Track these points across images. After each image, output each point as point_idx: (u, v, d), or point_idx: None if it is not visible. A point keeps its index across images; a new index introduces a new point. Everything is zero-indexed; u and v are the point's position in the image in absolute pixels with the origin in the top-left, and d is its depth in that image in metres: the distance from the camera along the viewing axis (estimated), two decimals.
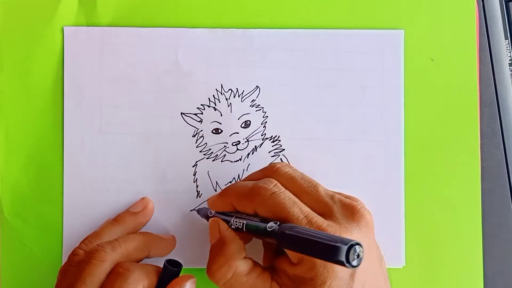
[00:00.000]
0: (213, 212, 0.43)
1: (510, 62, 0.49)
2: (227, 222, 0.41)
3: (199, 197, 0.46)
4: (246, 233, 0.39)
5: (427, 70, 0.48)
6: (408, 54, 0.47)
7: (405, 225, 0.47)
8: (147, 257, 0.43)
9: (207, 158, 0.47)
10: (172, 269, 0.40)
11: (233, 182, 0.47)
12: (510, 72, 0.49)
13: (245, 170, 0.47)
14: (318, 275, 0.36)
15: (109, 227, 0.44)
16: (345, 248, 0.31)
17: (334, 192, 0.40)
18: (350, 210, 0.38)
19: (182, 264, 0.41)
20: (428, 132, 0.47)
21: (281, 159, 0.47)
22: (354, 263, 0.31)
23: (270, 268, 0.40)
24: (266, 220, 0.38)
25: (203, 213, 0.45)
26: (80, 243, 0.42)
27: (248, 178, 0.43)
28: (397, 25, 0.48)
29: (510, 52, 0.49)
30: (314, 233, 0.34)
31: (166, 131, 0.46)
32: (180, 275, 0.41)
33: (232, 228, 0.40)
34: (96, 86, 0.47)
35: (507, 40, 0.49)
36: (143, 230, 0.46)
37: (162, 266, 0.41)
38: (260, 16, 0.47)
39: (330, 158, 0.47)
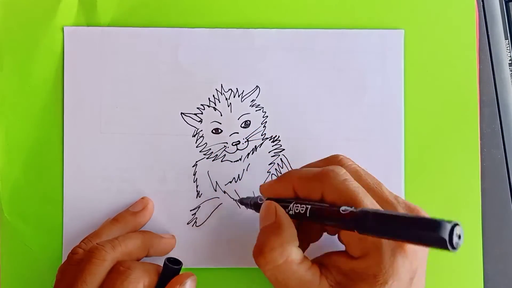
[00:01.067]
0: (263, 199, 0.41)
1: (510, 62, 0.48)
2: (285, 207, 0.38)
3: (199, 197, 0.46)
4: (307, 220, 0.37)
5: (427, 70, 0.47)
6: (408, 54, 0.47)
7: None
8: (146, 256, 0.43)
9: (207, 158, 0.47)
10: (172, 267, 0.40)
11: (233, 182, 0.47)
12: (510, 72, 0.48)
13: (245, 170, 0.47)
14: (382, 273, 0.34)
15: (109, 227, 0.44)
16: (448, 226, 0.29)
17: (399, 196, 0.38)
18: (415, 213, 0.37)
19: (182, 263, 0.41)
20: (428, 132, 0.47)
21: (281, 159, 0.47)
22: (457, 243, 0.29)
23: (318, 263, 0.38)
24: (335, 206, 0.35)
25: (250, 202, 0.43)
26: (80, 242, 0.42)
27: (307, 166, 0.41)
28: (397, 25, 0.48)
29: (510, 52, 0.49)
30: (403, 215, 0.32)
31: (166, 131, 0.46)
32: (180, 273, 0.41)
33: (290, 215, 0.38)
34: (96, 86, 0.46)
35: (507, 40, 0.48)
36: (143, 229, 0.46)
37: (162, 265, 0.41)
38: (260, 16, 0.47)
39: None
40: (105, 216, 0.46)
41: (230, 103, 0.47)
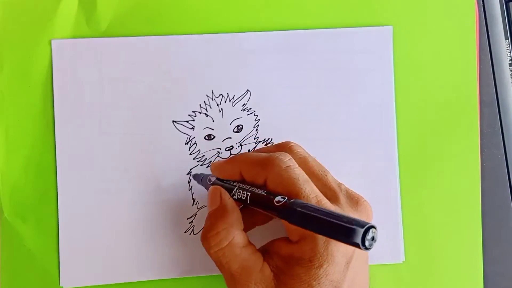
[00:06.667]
0: (212, 179, 0.42)
1: (510, 62, 0.48)
2: (229, 191, 0.40)
3: (195, 204, 0.46)
4: (248, 205, 0.39)
5: (425, 70, 0.47)
6: (404, 52, 0.47)
7: (405, 227, 0.47)
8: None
9: (201, 165, 0.46)
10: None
11: None
12: (510, 72, 0.48)
13: None
14: (316, 257, 0.35)
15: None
16: (360, 231, 0.31)
17: (343, 184, 0.40)
18: (355, 201, 0.39)
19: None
20: (427, 132, 0.47)
21: None
22: (368, 244, 0.31)
23: (262, 250, 0.39)
24: (273, 194, 0.37)
25: (201, 179, 0.44)
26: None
27: (259, 151, 0.43)
28: (387, 22, 0.47)
29: (510, 52, 0.48)
30: (326, 212, 0.34)
31: (158, 140, 0.46)
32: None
33: (234, 199, 0.39)
34: (86, 100, 0.46)
35: (507, 40, 0.48)
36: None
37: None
38: (248, 19, 0.47)
39: (324, 158, 0.46)
40: (102, 218, 0.46)
41: (222, 109, 0.46)
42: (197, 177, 0.45)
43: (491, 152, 0.48)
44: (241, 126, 0.47)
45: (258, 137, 0.47)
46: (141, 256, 0.45)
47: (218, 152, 0.46)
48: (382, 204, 0.47)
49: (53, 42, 0.46)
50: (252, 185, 0.39)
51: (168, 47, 0.46)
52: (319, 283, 0.35)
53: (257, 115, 0.47)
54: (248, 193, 0.38)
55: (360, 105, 0.47)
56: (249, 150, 0.47)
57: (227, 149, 0.46)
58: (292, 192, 0.37)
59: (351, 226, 0.32)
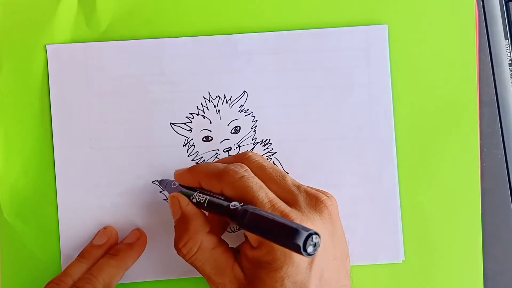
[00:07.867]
0: (176, 184, 0.43)
1: (510, 62, 0.48)
2: (189, 196, 0.41)
3: None
4: (206, 209, 0.40)
5: (422, 69, 0.47)
6: (399, 52, 0.47)
7: (405, 227, 0.46)
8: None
9: None
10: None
11: None
12: (510, 72, 0.48)
13: None
14: (275, 259, 0.36)
15: (78, 264, 0.43)
16: (304, 234, 0.31)
17: (303, 185, 0.40)
18: (314, 200, 0.39)
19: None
20: (425, 131, 0.47)
21: (273, 162, 0.46)
22: (310, 250, 0.31)
23: (234, 250, 0.40)
24: (230, 200, 0.38)
25: (165, 185, 0.45)
26: (49, 283, 0.42)
27: (220, 162, 0.43)
28: (383, 21, 0.47)
29: (510, 52, 0.48)
30: (274, 216, 0.34)
31: (156, 143, 0.46)
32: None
33: (193, 202, 0.40)
34: (83, 102, 0.46)
35: (507, 40, 0.48)
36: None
37: None
38: (243, 20, 0.47)
39: (322, 158, 0.47)
40: (102, 219, 0.46)
41: (219, 110, 0.46)
42: (162, 183, 0.45)
43: (491, 152, 0.47)
44: (238, 127, 0.47)
45: (256, 138, 0.47)
46: (142, 257, 0.45)
47: (216, 153, 0.46)
48: (382, 203, 0.46)
49: (48, 47, 0.46)
50: (212, 192, 0.40)
51: (164, 50, 0.46)
52: (282, 285, 0.36)
53: (254, 116, 0.47)
54: (206, 197, 0.40)
55: (358, 104, 0.47)
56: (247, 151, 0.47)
57: (225, 150, 0.46)
58: (247, 199, 0.38)
59: (292, 227, 0.32)
